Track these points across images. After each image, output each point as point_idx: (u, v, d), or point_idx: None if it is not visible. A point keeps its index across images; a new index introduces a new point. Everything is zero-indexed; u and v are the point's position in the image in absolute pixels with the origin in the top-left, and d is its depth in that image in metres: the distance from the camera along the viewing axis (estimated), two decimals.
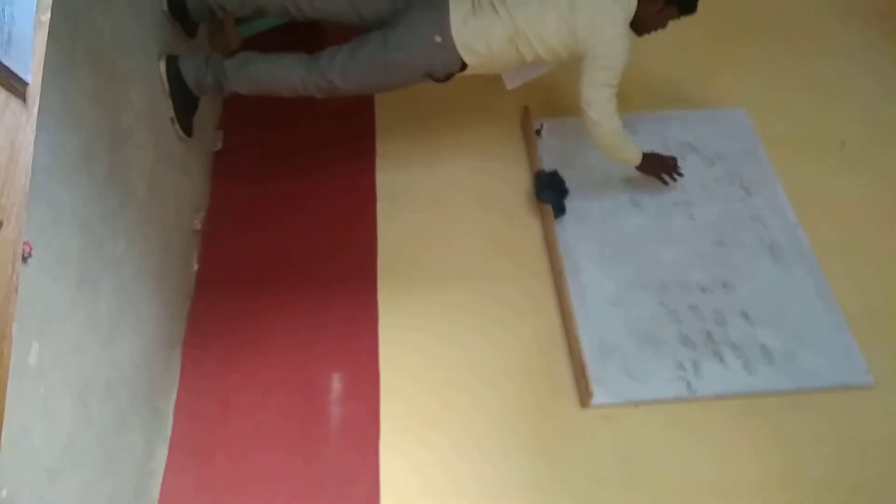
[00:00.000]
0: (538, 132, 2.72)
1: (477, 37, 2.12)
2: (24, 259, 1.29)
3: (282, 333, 2.23)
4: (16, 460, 1.27)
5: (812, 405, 2.15)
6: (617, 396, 2.14)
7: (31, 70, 0.87)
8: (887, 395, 2.16)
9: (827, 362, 2.22)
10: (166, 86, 2.14)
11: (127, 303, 1.81)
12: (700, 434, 2.09)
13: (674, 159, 2.51)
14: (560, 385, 2.18)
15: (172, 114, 2.18)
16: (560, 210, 2.50)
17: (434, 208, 2.56)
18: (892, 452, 2.07)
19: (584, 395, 2.12)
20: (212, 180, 2.61)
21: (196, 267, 2.38)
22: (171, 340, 2.15)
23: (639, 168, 2.46)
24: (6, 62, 0.81)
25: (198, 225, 2.43)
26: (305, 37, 2.29)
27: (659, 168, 2.49)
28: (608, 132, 2.28)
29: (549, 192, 2.52)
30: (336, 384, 2.14)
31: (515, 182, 2.64)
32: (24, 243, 1.27)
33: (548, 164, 2.62)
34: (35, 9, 0.89)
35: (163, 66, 2.12)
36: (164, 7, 2.18)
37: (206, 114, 2.58)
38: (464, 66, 2.18)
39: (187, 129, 2.27)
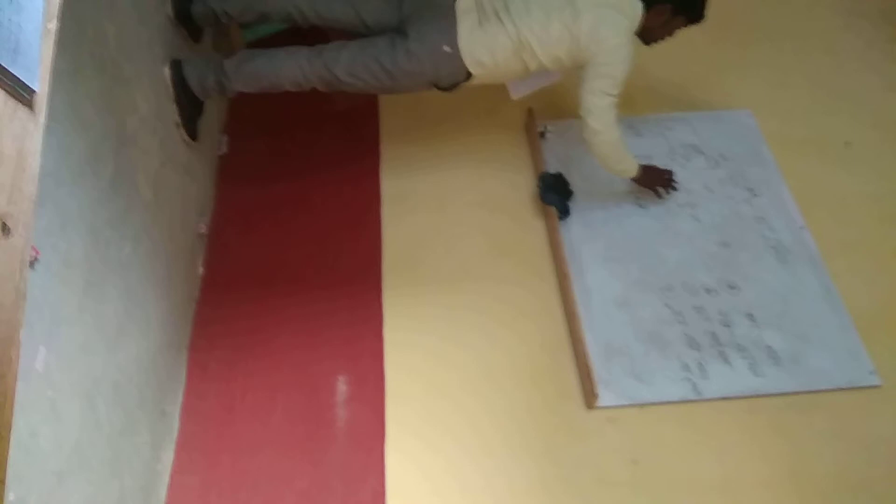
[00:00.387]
0: (542, 134, 2.72)
1: (483, 47, 2.13)
2: (31, 264, 1.30)
3: (287, 336, 2.24)
4: (24, 464, 1.28)
5: (818, 406, 2.14)
6: (622, 398, 2.14)
7: (39, 78, 0.87)
8: (894, 395, 2.15)
9: (833, 363, 2.22)
10: (171, 90, 2.15)
11: (133, 306, 1.82)
12: (706, 435, 2.09)
13: (670, 172, 2.51)
14: (566, 387, 2.18)
15: (178, 118, 2.19)
16: (564, 212, 2.50)
17: (439, 211, 2.56)
18: None
19: (589, 396, 2.12)
20: (217, 184, 2.62)
21: (202, 270, 2.39)
22: (178, 343, 2.16)
23: (635, 180, 2.46)
24: (13, 70, 0.82)
25: (203, 228, 2.44)
26: (309, 41, 2.29)
27: (656, 181, 2.49)
28: (606, 141, 2.27)
29: (554, 194, 2.52)
30: (342, 386, 2.15)
31: (520, 184, 2.64)
32: (31, 248, 1.29)
33: (552, 167, 2.62)
34: (42, 17, 0.89)
35: (167, 70, 2.13)
36: (170, 12, 2.18)
37: (212, 118, 2.59)
38: (469, 76, 2.19)
39: (192, 134, 2.27)
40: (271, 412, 2.10)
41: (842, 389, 2.17)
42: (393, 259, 2.43)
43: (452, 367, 2.19)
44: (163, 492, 1.95)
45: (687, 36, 2.32)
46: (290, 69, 2.17)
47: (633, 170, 2.41)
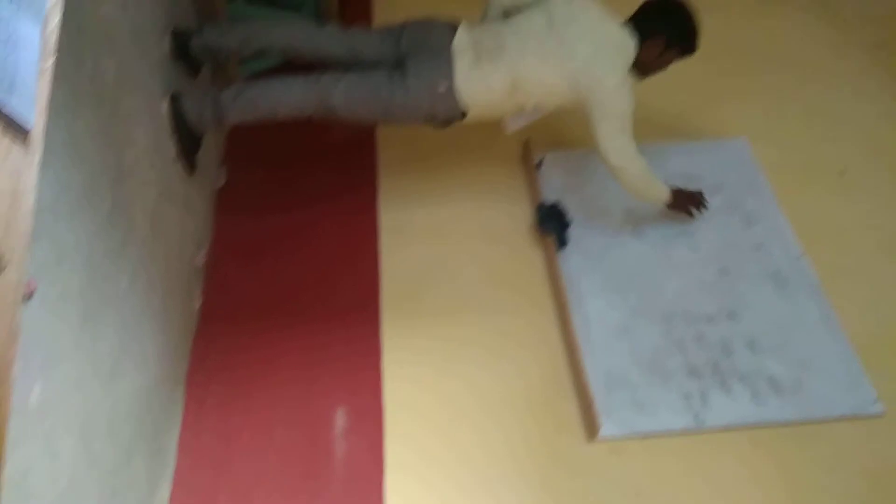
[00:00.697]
0: (539, 165, 2.73)
1: (478, 87, 2.15)
2: (27, 297, 1.30)
3: (285, 369, 2.22)
4: (17, 501, 1.26)
5: (821, 435, 2.13)
6: (624, 428, 2.12)
7: (34, 115, 0.88)
8: None
9: (835, 392, 2.20)
10: (169, 124, 2.16)
11: (130, 340, 1.80)
12: (709, 465, 2.06)
13: (700, 193, 2.52)
14: (566, 418, 2.16)
15: (176, 151, 2.20)
16: (562, 242, 2.50)
17: (436, 242, 2.56)
18: None
19: (590, 427, 2.11)
20: (214, 216, 2.62)
21: (199, 303, 2.38)
22: (174, 377, 2.14)
23: (668, 205, 2.47)
24: (8, 108, 0.82)
25: (201, 261, 2.43)
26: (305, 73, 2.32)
27: (687, 203, 2.50)
28: (633, 175, 2.30)
29: (551, 224, 2.52)
30: (340, 420, 2.13)
31: (517, 215, 2.64)
32: (28, 281, 1.28)
33: (549, 197, 2.62)
34: (38, 55, 0.90)
35: (166, 104, 2.14)
36: (168, 47, 2.21)
37: (210, 150, 2.60)
38: (464, 114, 2.21)
39: (191, 167, 2.28)
40: (269, 447, 2.08)
41: (844, 418, 2.16)
42: (391, 291, 2.42)
43: (451, 399, 2.18)
44: None
45: (682, 66, 2.34)
46: (287, 98, 2.18)
47: (664, 195, 2.42)
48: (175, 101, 2.16)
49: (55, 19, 0.96)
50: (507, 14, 2.31)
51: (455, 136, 2.35)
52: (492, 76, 2.15)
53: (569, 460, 2.08)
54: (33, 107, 0.88)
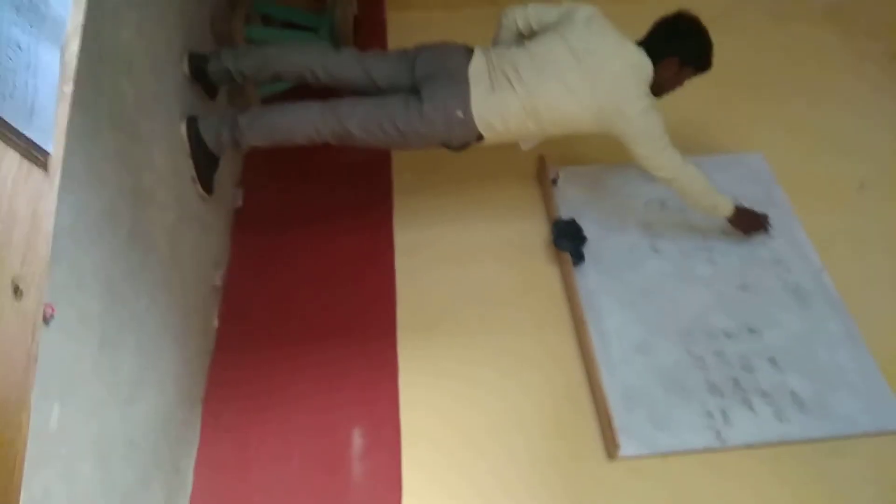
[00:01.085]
0: (554, 181, 2.73)
1: (494, 113, 2.15)
2: (47, 321, 1.31)
3: (302, 391, 2.22)
4: None
5: (846, 452, 2.09)
6: (645, 447, 2.09)
7: (54, 140, 0.88)
8: None
9: (860, 407, 2.17)
10: (187, 146, 2.18)
11: (148, 361, 1.81)
12: (732, 485, 2.03)
13: (766, 216, 2.51)
14: (585, 437, 2.14)
15: (194, 173, 2.21)
16: (579, 257, 2.49)
17: (452, 260, 2.56)
18: None
19: (610, 446, 2.08)
20: (232, 236, 2.64)
21: (216, 323, 2.39)
22: (192, 397, 2.15)
23: (731, 222, 2.46)
24: (28, 133, 0.83)
25: (218, 281, 2.44)
26: (322, 96, 2.34)
27: (752, 225, 2.50)
28: (686, 181, 2.29)
29: (567, 240, 2.51)
30: (356, 441, 2.12)
31: (533, 231, 2.64)
32: (46, 305, 1.29)
33: (565, 213, 2.62)
34: (58, 80, 0.91)
35: (184, 127, 2.17)
36: (186, 71, 2.23)
37: (227, 172, 2.62)
38: (480, 137, 2.21)
39: (208, 188, 2.30)
40: (285, 468, 2.07)
41: (869, 434, 2.12)
42: (407, 309, 2.42)
43: (468, 418, 2.16)
44: None
45: (697, 82, 2.34)
46: (304, 124, 2.20)
47: (726, 207, 2.41)
48: (192, 123, 2.19)
49: (74, 45, 0.97)
50: (521, 37, 2.32)
51: (469, 153, 2.35)
52: (509, 103, 2.15)
53: (589, 481, 2.05)
54: (53, 132, 0.89)
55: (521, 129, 2.22)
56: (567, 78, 2.14)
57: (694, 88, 2.37)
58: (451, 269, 2.53)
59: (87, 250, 1.50)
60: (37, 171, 0.85)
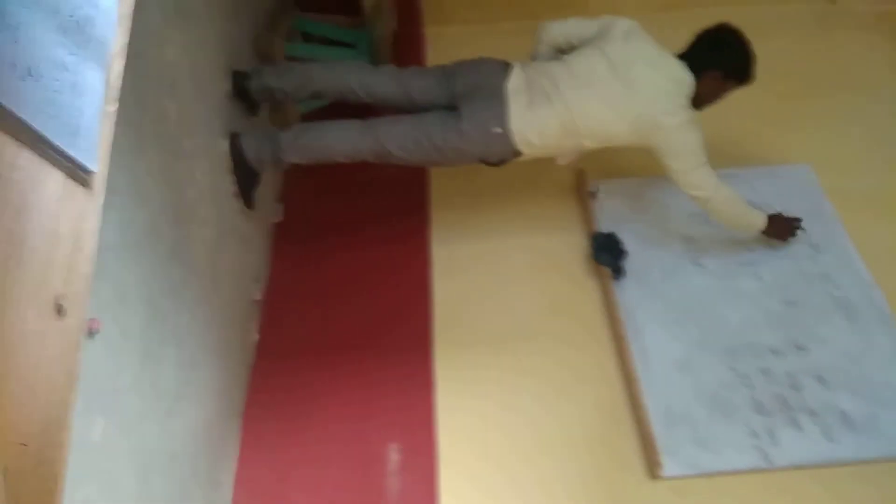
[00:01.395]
0: (594, 195, 2.70)
1: (532, 128, 2.14)
2: (92, 335, 1.33)
3: (339, 404, 2.22)
4: None
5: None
6: (688, 468, 2.04)
7: (98, 159, 0.90)
8: None
9: None
10: (229, 162, 2.21)
11: (189, 376, 1.83)
12: None
13: (798, 220, 2.47)
14: (626, 455, 2.10)
15: (235, 189, 2.24)
16: (618, 272, 2.46)
17: (490, 274, 2.54)
18: None
19: (652, 466, 2.04)
20: (271, 251, 2.66)
21: (256, 337, 2.41)
22: (232, 411, 2.16)
23: (765, 233, 2.42)
24: (72, 153, 0.84)
25: (258, 295, 2.47)
26: (361, 112, 2.36)
27: (785, 231, 2.45)
28: (720, 202, 2.27)
29: (607, 254, 2.48)
30: (393, 455, 2.11)
31: (572, 245, 2.61)
32: (92, 320, 1.31)
33: (604, 227, 2.58)
34: (102, 100, 0.92)
35: (226, 143, 2.20)
36: (229, 89, 2.27)
37: (267, 187, 2.65)
38: (518, 153, 2.20)
39: (249, 203, 2.33)
40: (323, 483, 2.07)
41: None
42: (444, 324, 2.41)
43: (506, 434, 2.14)
44: None
45: (741, 91, 2.29)
46: (344, 143, 2.22)
47: (759, 222, 2.37)
48: (235, 140, 2.22)
49: (119, 65, 0.99)
50: (560, 52, 2.31)
51: (507, 167, 2.34)
52: (547, 118, 2.13)
53: (630, 500, 2.01)
54: (97, 151, 0.90)
55: (559, 143, 2.20)
56: (606, 92, 2.12)
57: (738, 99, 2.33)
58: (489, 282, 2.52)
59: (130, 266, 1.52)
60: (80, 191, 0.86)
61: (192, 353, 1.86)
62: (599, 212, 2.66)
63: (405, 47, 3.19)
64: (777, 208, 2.49)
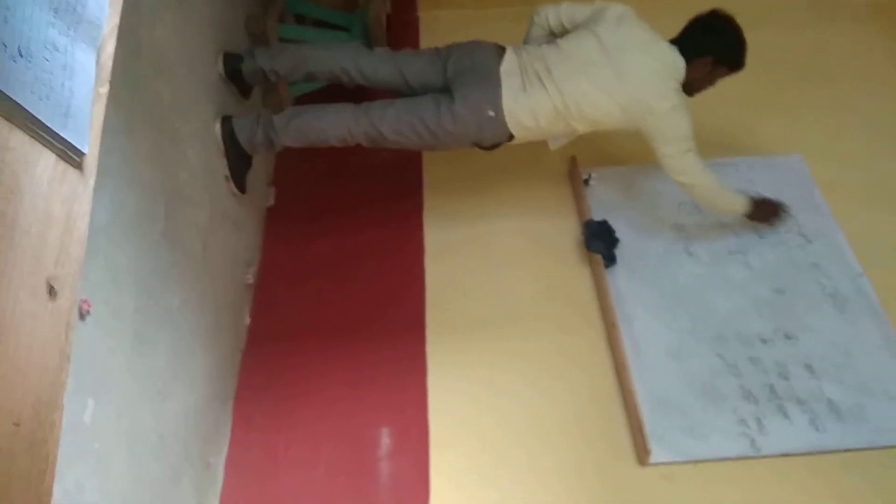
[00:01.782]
0: (586, 182, 2.70)
1: (526, 111, 2.14)
2: (83, 316, 1.33)
3: (331, 387, 2.23)
4: None
5: (885, 463, 2.04)
6: (676, 454, 2.06)
7: (89, 141, 0.89)
8: None
9: None
10: (221, 145, 2.20)
11: (181, 358, 1.83)
12: (766, 494, 1.99)
13: (782, 204, 2.47)
14: (616, 441, 2.11)
15: (227, 172, 2.24)
16: (610, 259, 2.46)
17: (483, 258, 2.55)
18: None
19: (641, 452, 2.05)
20: (264, 235, 2.66)
21: (248, 321, 2.41)
22: (223, 394, 2.17)
23: (748, 216, 2.43)
24: (64, 134, 0.84)
25: (250, 279, 2.47)
26: (354, 95, 2.35)
27: (769, 215, 2.46)
28: (705, 188, 2.29)
29: (599, 241, 2.48)
30: (385, 439, 2.12)
31: (565, 232, 2.61)
32: (82, 301, 1.31)
33: (597, 214, 2.59)
34: (94, 82, 0.92)
35: (218, 126, 2.19)
36: (221, 71, 2.25)
37: (260, 171, 2.64)
38: (511, 136, 2.21)
39: (241, 187, 2.32)
40: (315, 465, 2.08)
41: None
42: (437, 308, 2.42)
43: (498, 418, 2.15)
44: None
45: (733, 80, 2.29)
46: (337, 126, 2.21)
47: (742, 206, 2.39)
48: (227, 123, 2.21)
49: (110, 47, 0.98)
50: (553, 35, 2.30)
51: (500, 153, 2.34)
52: (540, 101, 2.13)
53: (619, 485, 2.03)
54: (88, 133, 0.90)
55: (552, 126, 2.20)
56: (598, 74, 2.12)
57: (730, 87, 2.33)
58: (481, 268, 2.52)
59: (122, 247, 1.52)
60: (72, 172, 0.86)
61: (184, 336, 1.86)
62: (592, 199, 2.66)
63: (399, 31, 3.18)
64: (770, 197, 2.50)
